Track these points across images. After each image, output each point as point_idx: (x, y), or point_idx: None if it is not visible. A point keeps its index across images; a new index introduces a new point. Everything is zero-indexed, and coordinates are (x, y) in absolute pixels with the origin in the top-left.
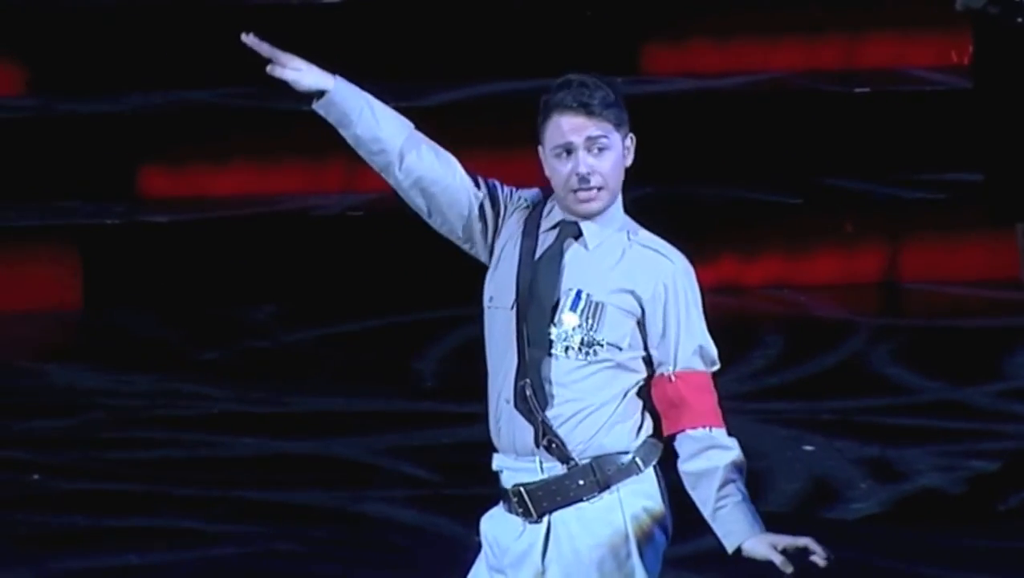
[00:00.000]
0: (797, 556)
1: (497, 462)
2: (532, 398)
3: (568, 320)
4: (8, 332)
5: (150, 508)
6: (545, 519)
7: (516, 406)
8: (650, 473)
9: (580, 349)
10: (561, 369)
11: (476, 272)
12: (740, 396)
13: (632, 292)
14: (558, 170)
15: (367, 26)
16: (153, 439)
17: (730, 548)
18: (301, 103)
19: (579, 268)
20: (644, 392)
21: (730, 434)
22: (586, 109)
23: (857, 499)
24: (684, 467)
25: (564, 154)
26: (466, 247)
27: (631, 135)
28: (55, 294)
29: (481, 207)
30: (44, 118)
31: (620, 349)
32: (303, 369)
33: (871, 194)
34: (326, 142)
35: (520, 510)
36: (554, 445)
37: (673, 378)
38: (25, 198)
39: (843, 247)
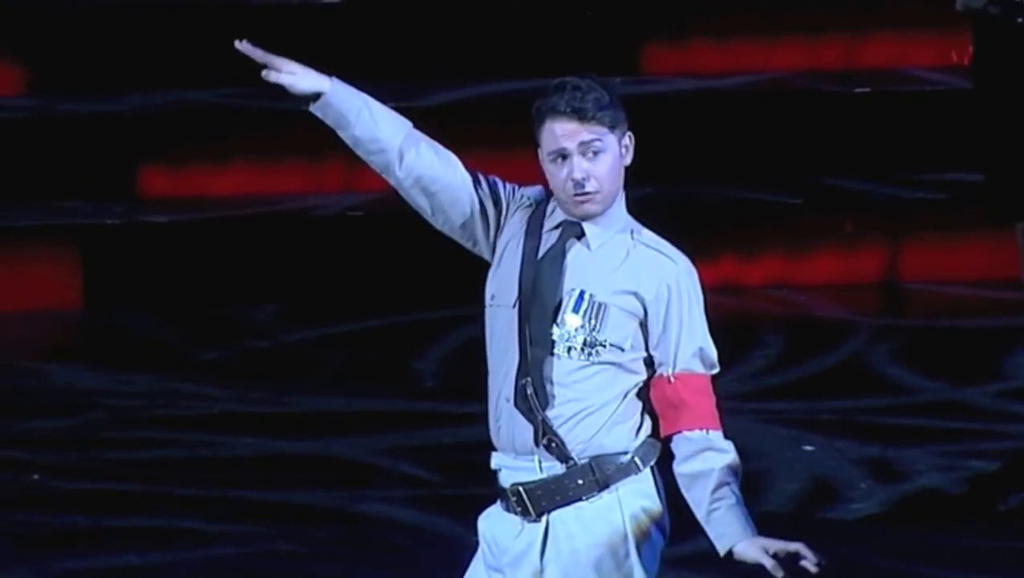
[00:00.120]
0: (788, 561)
1: (496, 461)
2: (533, 397)
3: (571, 321)
4: (8, 332)
5: (150, 508)
6: (543, 518)
7: (516, 405)
8: (648, 473)
9: (583, 350)
10: (563, 369)
11: (476, 272)
12: (740, 396)
13: (635, 293)
14: (555, 175)
15: (367, 26)
16: (153, 439)
17: (722, 550)
18: (300, 104)
19: (582, 268)
20: (644, 393)
21: (727, 437)
22: (579, 114)
23: (857, 499)
24: (679, 469)
25: (559, 159)
26: (468, 245)
27: (629, 134)
28: (55, 294)
29: (483, 205)
30: (44, 118)
31: (623, 350)
32: (303, 369)
33: (871, 194)
34: (326, 142)
35: (519, 509)
36: (554, 444)
37: (672, 379)
38: (25, 198)
39: (843, 247)
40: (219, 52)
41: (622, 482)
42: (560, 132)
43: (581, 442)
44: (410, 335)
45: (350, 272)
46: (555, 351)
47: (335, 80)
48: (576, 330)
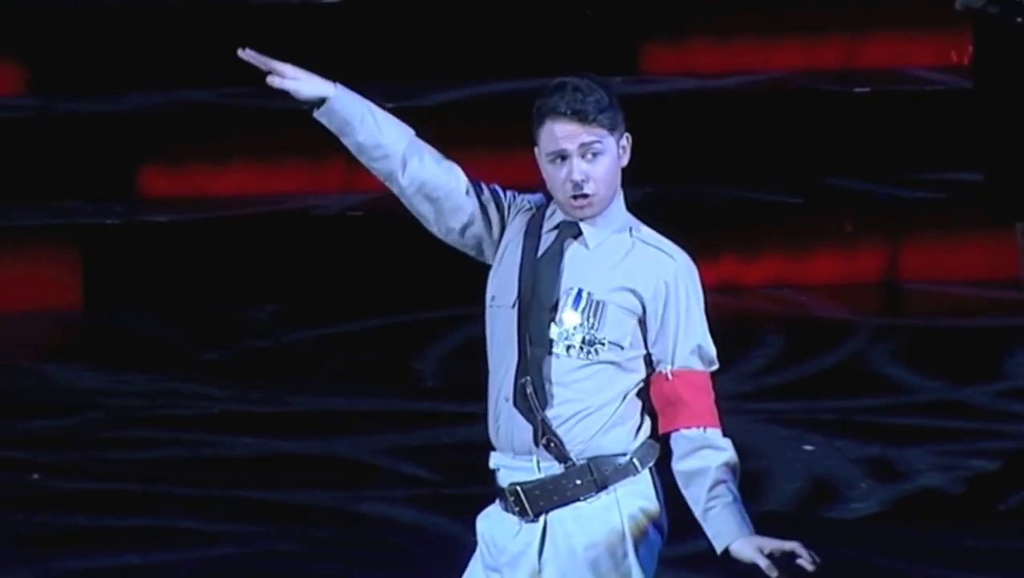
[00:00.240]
0: (784, 560)
1: (494, 460)
2: (532, 396)
3: (569, 319)
4: (8, 332)
5: (150, 508)
6: (541, 518)
7: (516, 404)
8: (647, 474)
9: (581, 348)
10: (562, 368)
11: (476, 272)
12: (740, 396)
13: (633, 290)
14: (553, 176)
15: (367, 26)
16: (153, 439)
17: (718, 549)
18: (303, 108)
19: (580, 267)
20: (644, 393)
21: (725, 435)
22: (579, 116)
23: (857, 499)
24: (677, 466)
25: (558, 160)
26: (473, 253)
27: (627, 135)
28: (55, 294)
29: (484, 209)
30: (44, 118)
31: (622, 348)
32: (303, 369)
33: (871, 194)
34: (326, 142)
35: (517, 509)
36: (552, 444)
37: (670, 376)
38: (25, 198)
39: (843, 247)
40: (219, 52)
41: (620, 483)
42: (560, 133)
43: (580, 442)
44: (410, 335)
45: (350, 272)
46: (554, 350)
47: (339, 86)
48: (574, 328)
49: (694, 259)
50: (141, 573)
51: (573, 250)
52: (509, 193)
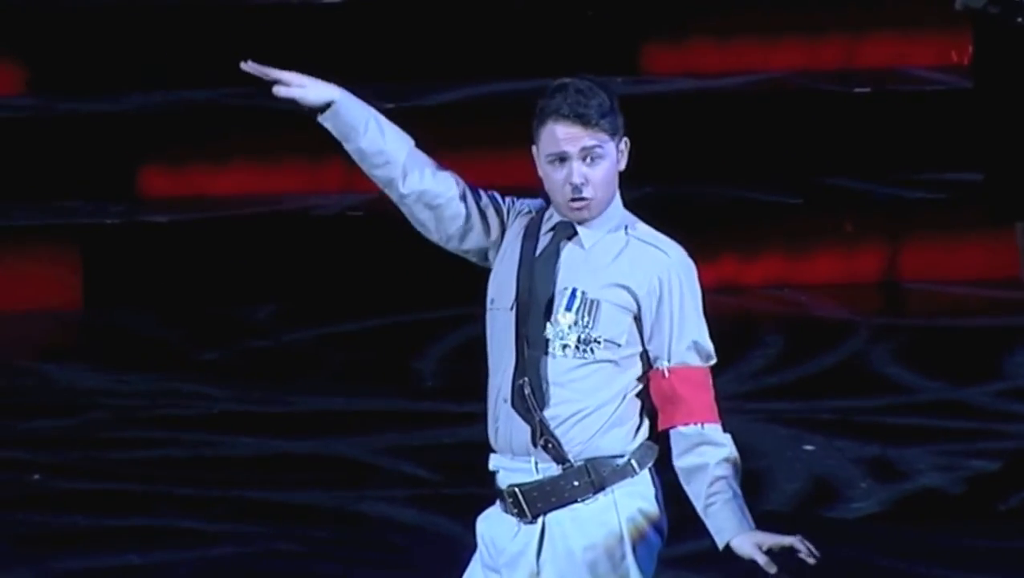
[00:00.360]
0: (783, 556)
1: (494, 462)
2: (530, 397)
3: (564, 318)
4: (8, 332)
5: (150, 508)
6: (540, 520)
7: (514, 405)
8: (645, 475)
9: (577, 347)
10: (559, 368)
11: (476, 272)
12: (740, 396)
13: (627, 287)
14: (552, 176)
15: (367, 26)
16: (153, 439)
17: (720, 544)
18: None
19: (575, 267)
20: (643, 393)
21: (725, 430)
22: (582, 119)
23: (857, 498)
24: (677, 463)
25: (557, 161)
26: (474, 259)
27: (625, 139)
28: (55, 294)
29: (484, 216)
30: (44, 118)
31: (619, 345)
32: (303, 369)
33: (871, 194)
34: (326, 142)
35: (515, 510)
36: (550, 445)
37: (667, 373)
38: (25, 198)
39: (843, 247)
40: (219, 52)
41: (618, 485)
42: (562, 135)
43: (578, 444)
44: (410, 335)
45: (350, 272)
46: (550, 350)
47: (343, 90)
48: (569, 328)
49: (693, 257)
50: (141, 573)
51: (569, 251)
52: (508, 198)
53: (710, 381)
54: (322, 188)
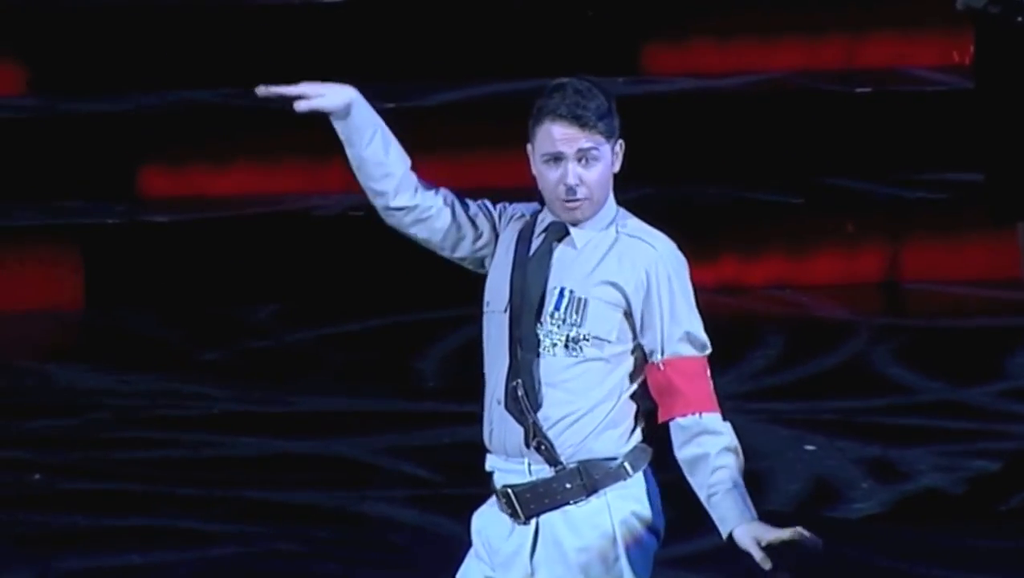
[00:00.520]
0: (782, 551)
1: (489, 463)
2: (524, 399)
3: (552, 318)
4: (8, 332)
5: (151, 508)
6: (533, 521)
7: (507, 407)
8: (639, 477)
9: (567, 346)
10: (551, 368)
11: (477, 273)
12: (741, 396)
13: (615, 284)
14: (546, 176)
15: (367, 26)
16: (154, 439)
17: (724, 534)
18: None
19: (566, 267)
20: (637, 395)
21: (725, 419)
22: (579, 121)
23: (859, 499)
24: (678, 454)
25: (553, 161)
26: (470, 267)
27: (620, 141)
28: (56, 294)
29: (475, 226)
30: (45, 118)
31: (608, 342)
32: (304, 369)
33: (872, 194)
34: (327, 142)
35: (509, 511)
36: (543, 447)
37: (662, 366)
38: (26, 198)
39: (844, 247)
40: (220, 52)
41: (611, 487)
42: (559, 136)
43: (571, 446)
44: (411, 335)
45: (351, 272)
46: (541, 350)
47: (357, 93)
48: (558, 327)
49: (693, 257)
50: (142, 573)
51: (560, 251)
52: (499, 205)
53: (707, 371)
54: (323, 188)
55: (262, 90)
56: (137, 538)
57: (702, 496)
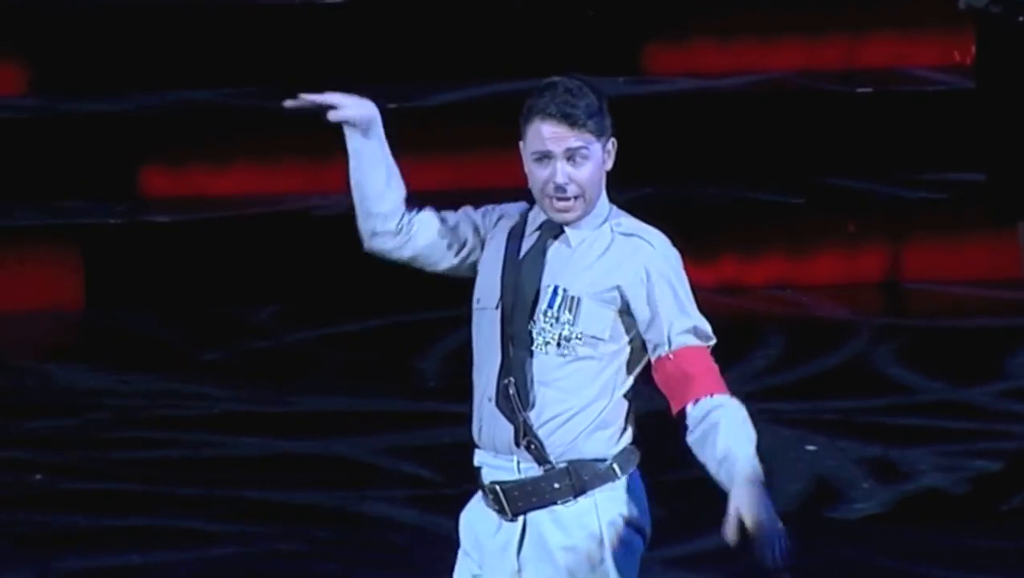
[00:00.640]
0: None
1: (478, 458)
2: (515, 397)
3: (545, 316)
4: (9, 332)
5: (151, 508)
6: (520, 518)
7: (498, 405)
8: (627, 480)
9: (559, 344)
10: (543, 367)
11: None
12: (742, 396)
13: (612, 282)
14: (535, 174)
15: (368, 26)
16: (154, 439)
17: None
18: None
19: (560, 265)
20: (629, 397)
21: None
22: (568, 120)
23: (859, 499)
24: (689, 439)
25: (542, 160)
26: (465, 273)
27: (612, 140)
28: (56, 294)
29: (458, 236)
30: (46, 118)
31: (602, 341)
32: (305, 369)
33: (873, 194)
34: (327, 142)
35: (496, 507)
36: (533, 446)
37: (672, 357)
38: (26, 198)
39: (845, 247)
40: (221, 52)
41: (599, 488)
42: (548, 134)
43: (561, 445)
44: (412, 335)
45: (351, 272)
46: (534, 348)
47: (376, 110)
48: (551, 325)
49: (694, 260)
50: (142, 573)
51: (555, 249)
52: (483, 208)
53: (712, 359)
54: (323, 188)
55: (291, 103)
56: (137, 538)
57: (712, 468)
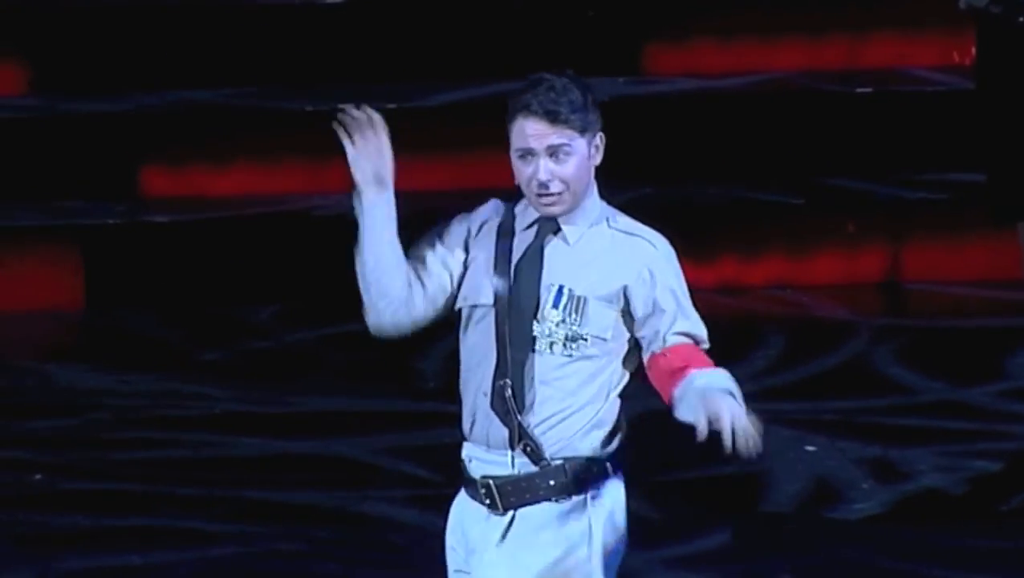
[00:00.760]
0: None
1: (467, 451)
2: (511, 399)
3: (551, 316)
4: (9, 332)
5: (151, 508)
6: (510, 512)
7: (493, 406)
8: (618, 480)
9: (565, 344)
10: (545, 366)
11: None
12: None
13: (616, 283)
14: (520, 171)
15: (368, 26)
16: (154, 439)
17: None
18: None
19: (560, 263)
20: (623, 395)
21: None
22: (550, 116)
23: (859, 499)
24: (675, 400)
25: (527, 156)
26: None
27: (600, 135)
28: (56, 294)
29: (447, 273)
30: (46, 118)
31: (605, 340)
32: (305, 369)
33: (873, 194)
34: (327, 143)
35: (487, 502)
36: (528, 448)
37: (668, 353)
38: (26, 198)
39: (845, 247)
40: (221, 52)
41: (592, 487)
42: (530, 132)
43: (557, 443)
44: (412, 335)
45: (351, 272)
46: (536, 348)
47: (391, 191)
48: (557, 325)
49: (694, 260)
50: (142, 573)
51: (553, 247)
52: (456, 221)
53: (707, 357)
54: (323, 188)
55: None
56: (137, 538)
57: (693, 403)
